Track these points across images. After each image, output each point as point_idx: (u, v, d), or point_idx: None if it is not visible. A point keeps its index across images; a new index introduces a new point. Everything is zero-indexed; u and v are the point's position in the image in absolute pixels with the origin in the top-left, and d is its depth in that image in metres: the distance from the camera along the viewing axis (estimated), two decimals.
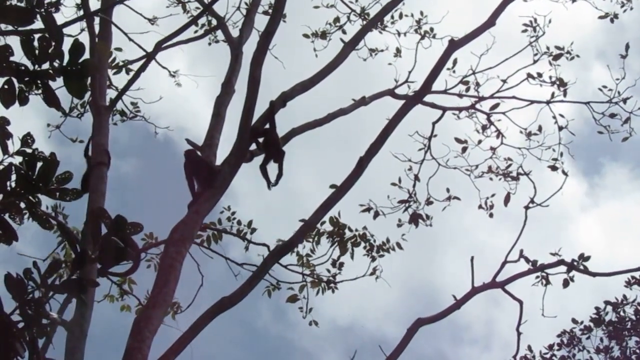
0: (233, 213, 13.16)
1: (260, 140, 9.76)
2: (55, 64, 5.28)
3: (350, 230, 12.97)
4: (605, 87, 14.02)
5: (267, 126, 9.81)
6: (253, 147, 9.80)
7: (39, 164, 5.21)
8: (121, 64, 13.07)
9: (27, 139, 5.40)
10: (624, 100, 14.03)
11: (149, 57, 11.14)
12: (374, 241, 13.09)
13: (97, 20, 10.90)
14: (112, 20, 11.24)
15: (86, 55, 5.37)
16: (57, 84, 5.48)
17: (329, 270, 13.07)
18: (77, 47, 5.26)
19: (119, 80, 13.19)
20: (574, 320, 17.86)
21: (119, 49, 12.92)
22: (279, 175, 9.84)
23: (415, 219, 13.95)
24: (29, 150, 5.32)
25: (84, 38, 10.87)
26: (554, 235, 11.96)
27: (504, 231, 12.15)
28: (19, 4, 7.15)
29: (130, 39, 12.55)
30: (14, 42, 5.31)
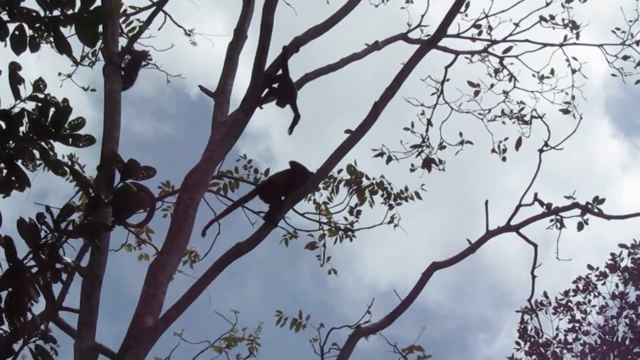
0: (249, 161, 13.17)
1: (275, 85, 9.72)
2: (67, 11, 5.25)
3: (368, 178, 12.97)
4: (618, 29, 13.93)
5: (280, 71, 9.76)
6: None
7: (52, 110, 5.19)
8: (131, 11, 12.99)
9: (39, 84, 5.37)
10: (637, 42, 13.94)
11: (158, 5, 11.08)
12: (391, 189, 13.09)
13: None
14: None
15: (98, 2, 5.33)
16: (69, 33, 5.46)
17: (346, 219, 13.10)
18: None
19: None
20: (590, 267, 17.93)
21: None
22: (296, 118, 9.83)
23: (428, 163, 13.92)
24: (41, 96, 5.29)
25: None
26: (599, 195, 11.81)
27: (525, 176, 12.02)
28: None
29: None
30: None
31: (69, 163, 12.17)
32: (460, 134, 14.08)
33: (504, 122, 14.41)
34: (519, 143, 13.80)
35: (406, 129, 13.95)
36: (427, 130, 14.07)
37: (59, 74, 13.62)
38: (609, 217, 12.22)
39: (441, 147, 14.11)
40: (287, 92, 9.79)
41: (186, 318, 7.87)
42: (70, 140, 5.29)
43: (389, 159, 13.69)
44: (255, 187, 9.79)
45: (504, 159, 14.23)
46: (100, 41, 10.13)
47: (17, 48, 5.30)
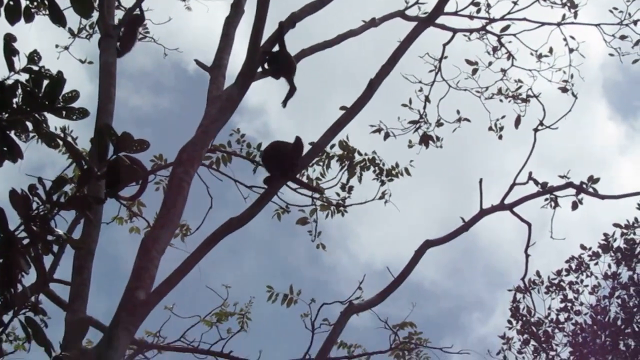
0: (242, 135, 13.15)
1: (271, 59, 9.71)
2: None
3: (360, 154, 12.97)
4: (616, 8, 13.92)
5: (277, 46, 9.74)
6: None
7: (46, 82, 5.16)
8: None
9: (34, 56, 5.34)
10: (635, 22, 13.94)
11: None
12: (383, 165, 13.09)
13: None
14: None
15: None
16: (65, 4, 5.43)
17: (338, 194, 13.11)
18: None
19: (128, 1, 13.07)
20: (582, 246, 17.95)
21: None
22: (291, 90, 9.83)
23: (425, 140, 13.95)
24: (35, 68, 5.26)
25: None
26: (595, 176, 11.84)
27: (522, 155, 12.05)
28: None
29: None
30: None
31: (62, 136, 12.15)
32: (458, 112, 14.13)
33: (501, 100, 14.45)
34: (518, 121, 13.82)
35: (404, 105, 13.99)
36: (424, 107, 14.13)
37: (56, 45, 13.56)
38: (603, 197, 12.23)
39: (439, 124, 14.15)
40: (283, 65, 9.78)
41: (178, 293, 7.87)
42: (64, 112, 5.27)
43: (387, 135, 13.73)
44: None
45: (500, 137, 14.29)
46: (97, 13, 10.11)
47: (12, 18, 5.28)
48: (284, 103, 9.91)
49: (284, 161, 8.88)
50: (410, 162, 13.19)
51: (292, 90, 9.84)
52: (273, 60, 9.71)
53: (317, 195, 12.82)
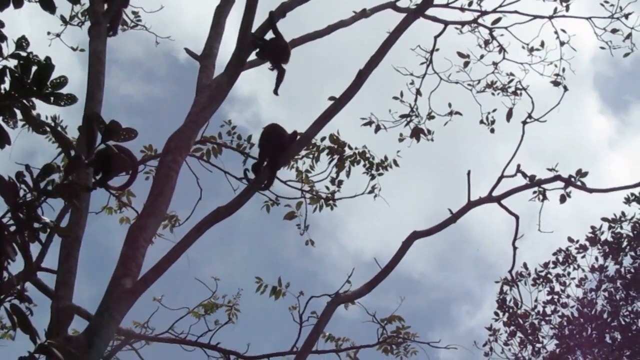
0: (233, 127, 13.14)
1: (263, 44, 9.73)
2: None
3: (350, 148, 12.97)
4: (607, 2, 13.94)
5: (271, 33, 9.76)
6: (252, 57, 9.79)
7: (34, 68, 5.14)
8: None
9: (22, 42, 5.33)
10: (626, 16, 13.96)
11: None
12: (373, 159, 13.08)
13: None
14: None
15: None
16: None
17: (327, 188, 13.10)
18: None
19: None
20: (570, 239, 18.03)
21: None
22: (280, 76, 9.85)
23: (416, 133, 13.95)
24: (23, 54, 5.24)
25: None
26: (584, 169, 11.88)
27: (513, 149, 12.08)
28: None
29: None
30: None
31: (52, 124, 12.12)
32: (449, 105, 14.13)
33: (492, 94, 14.46)
34: (509, 114, 13.83)
35: (395, 98, 13.99)
36: (415, 100, 14.15)
37: (48, 33, 13.53)
38: (591, 190, 12.27)
39: (430, 117, 14.16)
40: (275, 50, 9.82)
41: (167, 284, 7.84)
42: (52, 98, 5.24)
43: (378, 128, 13.76)
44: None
45: (492, 130, 14.31)
46: (87, 0, 10.08)
47: (1, 4, 5.25)
48: (276, 91, 9.90)
49: (277, 152, 8.88)
50: (397, 153, 13.22)
51: (280, 75, 9.84)
52: (265, 45, 9.71)
53: (306, 188, 12.84)
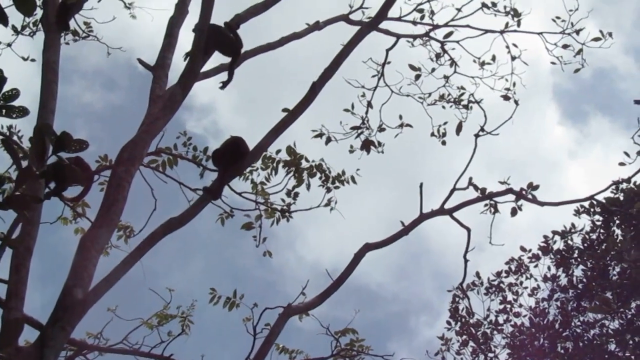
0: (189, 138, 13.16)
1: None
2: None
3: (307, 160, 13.02)
4: (558, 17, 14.14)
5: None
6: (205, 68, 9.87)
7: None
8: None
9: None
10: (577, 32, 14.17)
11: None
12: (329, 172, 13.14)
13: None
14: None
15: None
16: (7, 2, 5.42)
17: (283, 200, 13.14)
18: None
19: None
20: (522, 248, 18.20)
21: None
22: (231, 71, 10.06)
23: (367, 145, 14.03)
24: None
25: None
26: (545, 181, 12.09)
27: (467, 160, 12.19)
28: None
29: None
30: None
31: (7, 133, 12.11)
32: (400, 117, 14.23)
33: (443, 107, 14.59)
34: (459, 128, 13.93)
35: (346, 110, 14.05)
36: (367, 112, 14.22)
37: None
38: (542, 204, 12.40)
39: (381, 129, 14.24)
40: (230, 46, 10.06)
41: (121, 294, 7.84)
42: (4, 111, 5.27)
43: (328, 140, 13.80)
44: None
45: (443, 142, 14.41)
46: (41, 11, 10.05)
47: None
48: (225, 84, 10.01)
49: (227, 163, 8.95)
50: (357, 171, 13.26)
51: (231, 71, 9.98)
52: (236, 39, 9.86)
53: (261, 200, 12.89)
